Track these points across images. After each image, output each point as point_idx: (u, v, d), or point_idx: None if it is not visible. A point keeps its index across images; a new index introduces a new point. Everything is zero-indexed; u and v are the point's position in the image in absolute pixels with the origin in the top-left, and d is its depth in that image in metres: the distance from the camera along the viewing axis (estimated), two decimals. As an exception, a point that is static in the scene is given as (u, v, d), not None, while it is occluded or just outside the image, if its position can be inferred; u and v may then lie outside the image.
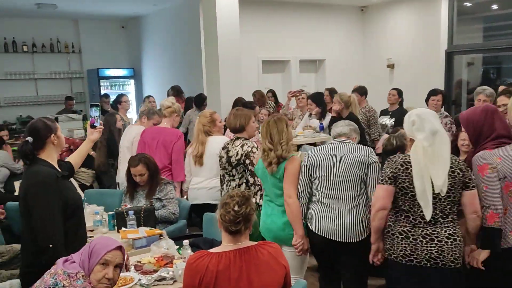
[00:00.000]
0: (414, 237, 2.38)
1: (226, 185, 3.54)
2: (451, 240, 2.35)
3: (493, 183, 2.40)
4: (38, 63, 9.34)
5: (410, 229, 2.40)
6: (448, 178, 2.34)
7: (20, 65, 9.15)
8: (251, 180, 3.43)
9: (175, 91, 7.44)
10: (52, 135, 2.41)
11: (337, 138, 2.94)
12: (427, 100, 5.21)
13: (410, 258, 2.39)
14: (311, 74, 9.07)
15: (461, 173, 2.37)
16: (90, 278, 1.99)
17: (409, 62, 8.38)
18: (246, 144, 3.46)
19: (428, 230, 2.37)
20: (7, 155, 5.51)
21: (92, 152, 5.67)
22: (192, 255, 2.14)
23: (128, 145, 4.60)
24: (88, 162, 5.62)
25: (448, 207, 2.37)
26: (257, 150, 3.41)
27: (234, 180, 3.50)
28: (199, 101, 6.65)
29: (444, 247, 2.34)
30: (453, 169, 2.36)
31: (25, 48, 9.13)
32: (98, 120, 2.79)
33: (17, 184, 4.89)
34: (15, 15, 8.73)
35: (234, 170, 3.48)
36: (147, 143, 4.22)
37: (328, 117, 5.62)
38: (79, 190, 2.52)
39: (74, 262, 2.02)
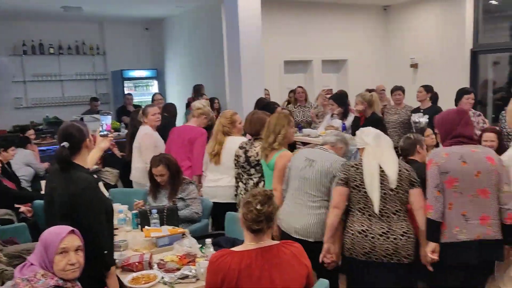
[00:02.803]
0: (372, 235, 2.61)
1: (244, 184, 3.64)
2: (406, 237, 2.60)
3: (432, 177, 2.57)
4: (64, 65, 9.54)
5: (368, 228, 2.64)
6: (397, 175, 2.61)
7: (47, 67, 9.35)
8: None
9: (194, 91, 7.50)
10: (87, 139, 2.41)
11: (323, 145, 3.11)
12: (458, 100, 4.99)
13: (369, 256, 2.62)
14: (334, 74, 9.02)
15: (406, 172, 2.65)
16: (54, 270, 2.00)
17: (433, 61, 8.23)
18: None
19: (385, 228, 2.61)
20: (32, 154, 5.64)
21: (117, 152, 5.78)
22: (214, 254, 2.16)
23: (136, 145, 4.67)
24: (112, 161, 5.75)
25: (398, 203, 2.63)
26: None
27: (252, 179, 3.61)
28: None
29: (399, 243, 2.59)
30: (399, 168, 2.64)
31: (51, 50, 9.34)
32: (106, 127, 2.73)
33: (43, 184, 5.01)
34: (42, 18, 8.95)
35: (252, 169, 3.61)
36: (173, 141, 4.44)
37: (350, 117, 5.57)
38: (103, 189, 2.57)
39: (32, 264, 2.03)
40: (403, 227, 2.61)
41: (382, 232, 2.60)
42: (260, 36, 6.22)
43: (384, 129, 5.07)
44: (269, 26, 7.37)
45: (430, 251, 2.58)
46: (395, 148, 5.19)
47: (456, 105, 5.04)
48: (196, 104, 4.63)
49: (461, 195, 2.53)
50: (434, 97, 5.86)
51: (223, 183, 3.89)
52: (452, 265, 2.58)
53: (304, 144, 5.97)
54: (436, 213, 2.54)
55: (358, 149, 2.89)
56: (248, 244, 2.12)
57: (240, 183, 3.70)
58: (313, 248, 2.76)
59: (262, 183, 3.56)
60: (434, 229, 2.57)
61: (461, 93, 5.00)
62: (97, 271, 2.28)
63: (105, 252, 2.29)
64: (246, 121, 3.77)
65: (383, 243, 2.59)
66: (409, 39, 8.80)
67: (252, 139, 3.69)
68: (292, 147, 5.19)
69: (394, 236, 2.59)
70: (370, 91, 6.05)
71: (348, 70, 8.94)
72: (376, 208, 2.60)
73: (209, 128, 4.69)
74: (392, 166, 2.63)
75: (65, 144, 2.32)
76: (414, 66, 8.59)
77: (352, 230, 2.69)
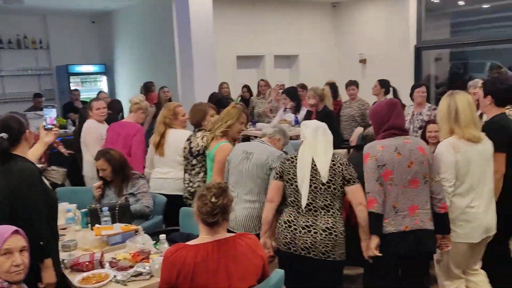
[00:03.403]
0: (295, 226, 2.58)
1: (188, 174, 3.71)
2: (326, 233, 2.53)
3: (371, 170, 2.54)
4: (5, 59, 9.03)
5: (294, 219, 2.60)
6: (329, 170, 2.55)
7: (-14, 61, 8.83)
8: None
9: (144, 88, 7.29)
10: (27, 131, 2.37)
11: (261, 138, 3.12)
12: (412, 94, 5.15)
13: (289, 246, 2.59)
14: (285, 70, 9.12)
15: (341, 166, 2.57)
16: None
17: (380, 57, 8.50)
18: (206, 136, 3.60)
19: (309, 222, 2.56)
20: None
21: (63, 150, 5.54)
22: (169, 249, 2.13)
23: (82, 140, 4.69)
24: (59, 160, 5.50)
25: (329, 198, 2.55)
26: None
27: (194, 169, 3.67)
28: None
29: (317, 238, 2.53)
30: (334, 162, 2.57)
31: (-10, 45, 8.83)
32: (49, 121, 2.65)
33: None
34: (-21, 9, 8.42)
35: (194, 160, 3.66)
36: (111, 137, 4.37)
37: (303, 111, 5.66)
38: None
39: None
40: (327, 223, 2.54)
41: (305, 225, 2.55)
42: (212, 30, 6.18)
43: (336, 123, 5.23)
44: (221, 21, 7.33)
45: (374, 246, 2.53)
46: (346, 141, 5.43)
47: (411, 99, 5.22)
48: (133, 99, 4.55)
49: (395, 187, 2.54)
50: (394, 91, 5.98)
51: (171, 175, 3.90)
52: (385, 256, 2.55)
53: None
54: (380, 207, 2.51)
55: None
56: (204, 237, 2.10)
57: (186, 174, 3.76)
58: None
59: (202, 173, 3.62)
60: (379, 222, 2.53)
61: (413, 87, 5.21)
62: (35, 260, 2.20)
63: (41, 243, 2.21)
64: (189, 111, 3.84)
65: (302, 236, 2.54)
66: (357, 36, 9.04)
67: (196, 130, 3.76)
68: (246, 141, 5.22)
69: (315, 230, 2.53)
70: (330, 84, 6.18)
71: (299, 65, 9.07)
72: (304, 202, 2.56)
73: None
74: (323, 160, 2.57)
75: (4, 135, 2.27)
76: (363, 61, 8.84)
77: (280, 220, 2.67)
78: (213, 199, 2.05)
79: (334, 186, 2.56)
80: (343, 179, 2.56)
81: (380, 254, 2.53)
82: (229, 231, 2.80)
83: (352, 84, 6.11)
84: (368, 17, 8.83)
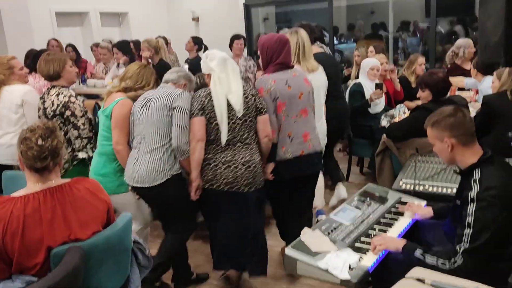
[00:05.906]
0: (216, 163, 2.57)
1: None
2: (246, 166, 2.57)
3: (267, 104, 2.68)
4: None
5: (213, 156, 2.57)
6: (243, 103, 2.56)
7: None
8: (74, 133, 3.09)
9: None
10: None
11: (164, 84, 2.80)
12: (231, 45, 5.34)
13: (211, 183, 2.58)
14: (115, 28, 8.52)
15: (253, 97, 2.60)
16: None
17: (212, 15, 8.55)
18: (62, 93, 3.11)
19: (228, 157, 2.57)
20: None
21: None
22: (-12, 205, 1.81)
23: None
24: None
25: (246, 131, 2.60)
26: (76, 98, 3.13)
27: None
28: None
29: (238, 173, 2.56)
30: (246, 95, 2.59)
31: None
32: None
33: None
34: None
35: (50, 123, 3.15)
36: None
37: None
38: None
39: None
40: (245, 156, 2.59)
41: (225, 161, 2.56)
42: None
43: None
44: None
45: (269, 171, 2.75)
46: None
47: (230, 49, 5.33)
48: None
49: (288, 117, 2.73)
50: (206, 50, 5.99)
51: (4, 141, 3.39)
52: (284, 180, 2.80)
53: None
54: (277, 137, 2.73)
55: (205, 75, 2.70)
56: (33, 185, 1.84)
57: None
58: (148, 193, 2.63)
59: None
60: (274, 151, 2.74)
61: (232, 38, 5.40)
62: None
63: None
64: (40, 62, 3.19)
65: (224, 172, 2.55)
66: (188, -7, 8.92)
67: (50, 86, 3.20)
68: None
69: (236, 165, 2.56)
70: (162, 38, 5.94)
71: (130, 23, 8.55)
72: (224, 140, 2.54)
73: None
74: (236, 94, 2.54)
75: None
76: (196, 19, 8.80)
77: (204, 161, 2.60)
78: (40, 142, 1.79)
79: (250, 119, 2.60)
80: (256, 110, 2.60)
81: (271, 178, 2.75)
82: (135, 187, 2.62)
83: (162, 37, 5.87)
84: (197, -25, 8.75)
